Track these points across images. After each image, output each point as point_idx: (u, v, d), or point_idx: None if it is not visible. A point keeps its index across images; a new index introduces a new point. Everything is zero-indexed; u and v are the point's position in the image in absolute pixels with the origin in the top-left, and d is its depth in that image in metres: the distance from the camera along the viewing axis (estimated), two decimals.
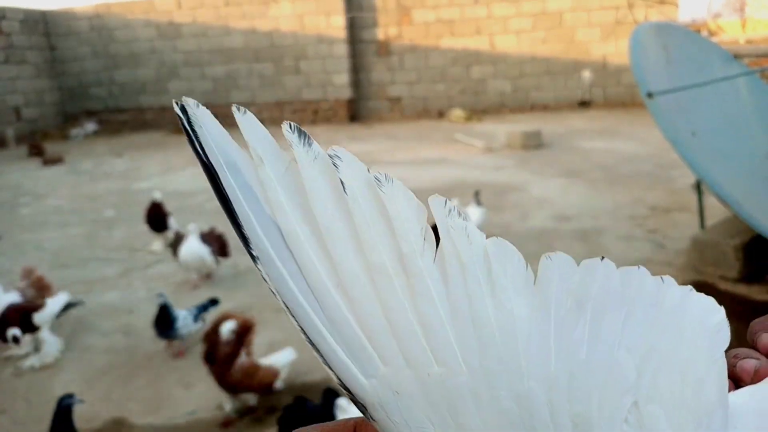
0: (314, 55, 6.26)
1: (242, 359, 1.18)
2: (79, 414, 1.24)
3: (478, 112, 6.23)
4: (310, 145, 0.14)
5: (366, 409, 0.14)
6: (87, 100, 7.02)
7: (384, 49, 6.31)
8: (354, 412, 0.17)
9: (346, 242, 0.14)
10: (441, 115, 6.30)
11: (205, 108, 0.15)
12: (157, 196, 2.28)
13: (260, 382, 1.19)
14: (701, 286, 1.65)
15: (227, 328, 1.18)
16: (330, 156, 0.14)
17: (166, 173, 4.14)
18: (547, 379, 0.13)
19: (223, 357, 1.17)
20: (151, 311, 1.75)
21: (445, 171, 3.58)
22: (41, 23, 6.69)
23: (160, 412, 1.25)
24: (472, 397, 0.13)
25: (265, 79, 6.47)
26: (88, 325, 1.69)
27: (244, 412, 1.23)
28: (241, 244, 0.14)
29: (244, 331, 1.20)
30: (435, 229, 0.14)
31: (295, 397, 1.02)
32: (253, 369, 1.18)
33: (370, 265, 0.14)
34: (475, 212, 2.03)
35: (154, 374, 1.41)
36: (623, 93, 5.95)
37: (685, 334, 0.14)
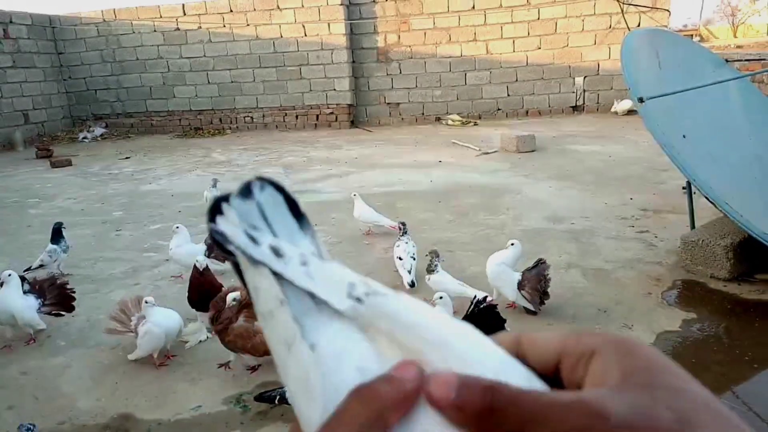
0: (316, 62, 6.35)
1: (240, 323, 1.32)
2: (86, 410, 1.29)
3: (474, 117, 6.31)
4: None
5: None
6: (94, 104, 7.12)
7: (383, 55, 6.41)
8: None
9: None
10: (438, 120, 6.37)
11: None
12: (200, 260, 1.58)
13: (254, 346, 1.31)
14: (692, 285, 1.69)
15: (231, 297, 1.34)
16: None
17: (172, 175, 4.20)
18: None
19: (224, 321, 1.32)
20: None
21: (443, 174, 3.62)
22: (48, 28, 6.78)
23: (165, 407, 1.28)
24: None
25: (269, 85, 6.56)
26: (95, 322, 1.73)
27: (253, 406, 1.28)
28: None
29: (248, 303, 1.30)
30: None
31: None
32: (248, 333, 1.31)
33: None
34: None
35: (159, 370, 1.45)
36: (616, 98, 6.03)
37: None
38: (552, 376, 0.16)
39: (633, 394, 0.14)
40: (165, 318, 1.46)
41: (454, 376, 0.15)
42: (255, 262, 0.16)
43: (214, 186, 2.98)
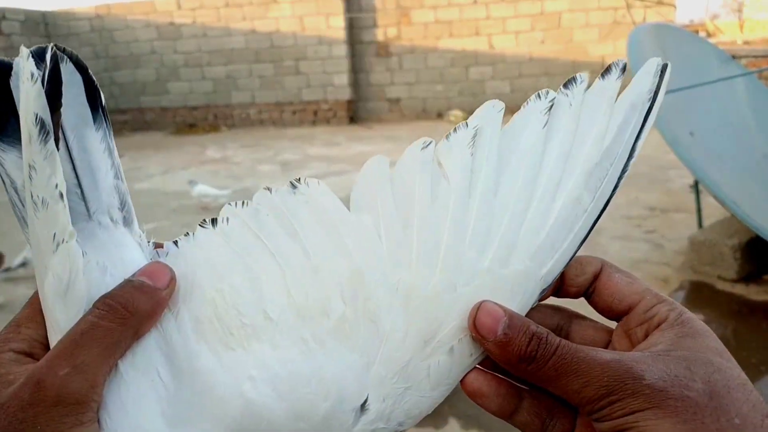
0: (314, 56, 6.27)
1: None
2: None
3: None
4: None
5: None
6: None
7: (383, 50, 6.33)
8: None
9: None
10: (440, 116, 6.32)
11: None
12: None
13: None
14: (699, 286, 1.64)
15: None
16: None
17: (166, 173, 4.15)
18: None
19: None
20: None
21: None
22: (41, 24, 6.70)
23: None
24: None
25: (265, 80, 6.48)
26: None
27: None
28: None
29: None
30: None
31: None
32: None
33: None
34: None
35: None
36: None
37: None
38: (613, 318, 0.17)
39: (672, 363, 0.14)
40: None
41: (502, 311, 0.15)
42: (46, 138, 0.15)
43: (190, 185, 2.97)
